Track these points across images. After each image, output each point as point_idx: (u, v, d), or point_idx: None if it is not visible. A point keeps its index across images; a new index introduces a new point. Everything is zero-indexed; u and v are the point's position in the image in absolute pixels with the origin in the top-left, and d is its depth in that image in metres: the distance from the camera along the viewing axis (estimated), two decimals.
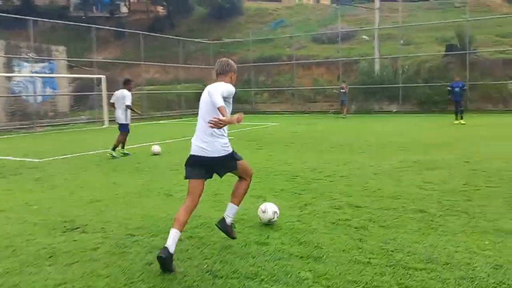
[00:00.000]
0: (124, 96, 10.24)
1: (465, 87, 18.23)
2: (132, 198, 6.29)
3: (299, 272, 3.60)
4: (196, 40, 31.19)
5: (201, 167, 4.07)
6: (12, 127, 19.46)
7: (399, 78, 23.50)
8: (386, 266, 3.69)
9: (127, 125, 10.58)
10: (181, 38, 29.06)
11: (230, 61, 4.23)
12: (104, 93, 20.66)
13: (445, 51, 23.91)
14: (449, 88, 17.46)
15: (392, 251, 4.03)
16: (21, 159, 10.54)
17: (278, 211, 4.92)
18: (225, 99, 3.82)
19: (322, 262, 3.82)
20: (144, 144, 12.54)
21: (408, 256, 3.90)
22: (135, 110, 10.89)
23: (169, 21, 42.51)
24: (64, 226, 5.04)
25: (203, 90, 4.16)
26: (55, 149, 12.35)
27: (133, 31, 27.20)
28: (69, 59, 24.05)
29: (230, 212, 4.33)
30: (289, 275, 3.55)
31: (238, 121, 3.66)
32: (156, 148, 10.81)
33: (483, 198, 5.76)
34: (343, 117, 21.44)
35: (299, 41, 29.28)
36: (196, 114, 4.29)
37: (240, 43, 31.94)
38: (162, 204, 5.95)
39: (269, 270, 3.67)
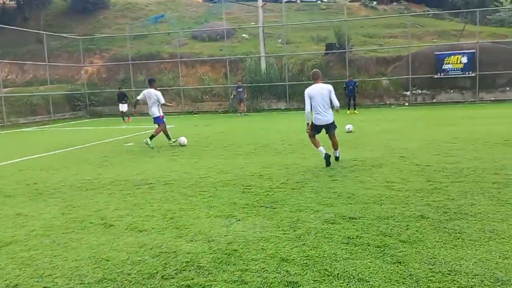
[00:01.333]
0: (156, 94, 11.19)
1: (357, 84, 20.33)
2: (61, 235, 4.68)
3: None
4: (64, 35, 27.76)
5: (321, 128, 7.98)
6: None
7: (285, 76, 23.78)
8: None
9: (162, 117, 11.32)
10: (46, 32, 25.44)
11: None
12: None
13: (325, 50, 24.89)
14: (344, 86, 19.85)
15: (448, 274, 3.38)
16: None
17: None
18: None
19: None
20: (15, 160, 10.30)
21: (472, 278, 3.29)
22: (169, 105, 12.20)
23: (21, 14, 37.31)
24: None
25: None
26: None
27: None
28: None
29: (338, 153, 8.15)
30: None
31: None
32: (183, 139, 11.38)
33: (463, 195, 5.51)
34: (240, 115, 21.44)
35: (178, 39, 27.87)
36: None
37: (113, 39, 29.30)
38: (108, 239, 4.50)
39: None
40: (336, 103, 7.95)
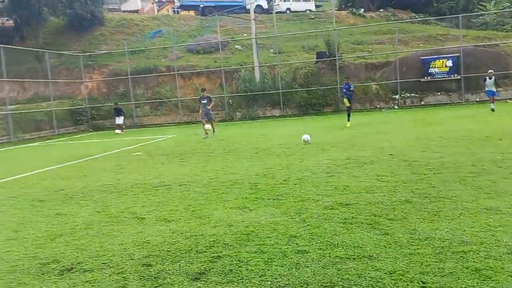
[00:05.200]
0: None
1: (352, 88, 17.71)
2: (102, 228, 5.50)
3: None
4: (64, 52, 28.61)
5: None
6: None
7: (279, 85, 24.75)
8: None
9: None
10: (47, 50, 26.30)
11: None
12: None
13: (316, 58, 25.91)
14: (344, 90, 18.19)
15: (425, 240, 4.25)
16: None
17: None
18: None
19: None
20: (35, 172, 11.10)
21: (443, 242, 4.18)
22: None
23: (18, 33, 38.11)
24: (53, 269, 4.21)
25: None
26: None
27: None
28: None
29: None
30: None
31: None
32: (306, 136, 12.22)
33: (443, 183, 6.39)
34: (204, 137, 16.39)
35: (172, 52, 28.80)
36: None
37: (111, 55, 30.21)
38: (143, 228, 5.32)
39: None
40: None
